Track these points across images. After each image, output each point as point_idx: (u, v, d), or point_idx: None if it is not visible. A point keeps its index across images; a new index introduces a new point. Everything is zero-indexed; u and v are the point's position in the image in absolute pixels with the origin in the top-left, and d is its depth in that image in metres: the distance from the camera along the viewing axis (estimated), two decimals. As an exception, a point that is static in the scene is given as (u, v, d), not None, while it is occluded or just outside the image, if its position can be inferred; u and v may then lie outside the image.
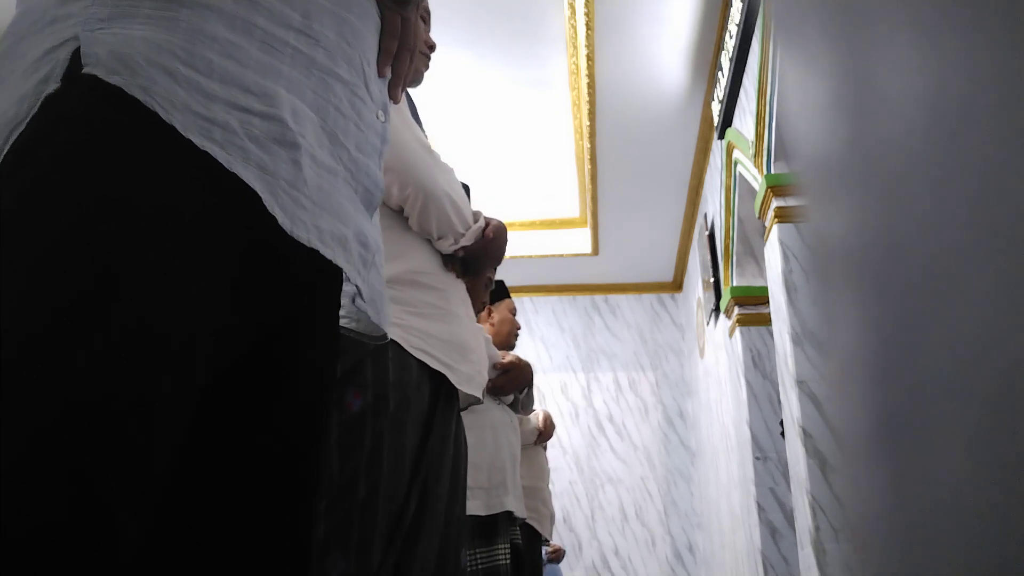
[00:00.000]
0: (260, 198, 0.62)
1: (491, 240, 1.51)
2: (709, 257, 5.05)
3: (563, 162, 5.53)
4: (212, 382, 0.61)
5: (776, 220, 3.36)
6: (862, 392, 0.29)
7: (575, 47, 4.41)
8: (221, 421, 0.64)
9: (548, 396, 7.08)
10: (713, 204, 5.06)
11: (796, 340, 3.14)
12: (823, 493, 2.93)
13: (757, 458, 4.07)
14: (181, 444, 0.59)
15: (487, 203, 4.63)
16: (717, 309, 4.93)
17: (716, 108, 4.39)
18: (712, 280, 4.98)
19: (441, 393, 1.38)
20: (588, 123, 4.95)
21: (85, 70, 0.59)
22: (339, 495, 1.21)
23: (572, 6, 4.14)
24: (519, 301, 6.95)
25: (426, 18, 1.59)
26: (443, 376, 1.37)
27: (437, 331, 1.39)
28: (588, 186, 5.62)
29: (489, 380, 1.88)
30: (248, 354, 0.65)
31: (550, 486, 3.29)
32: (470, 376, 1.44)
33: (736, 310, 4.42)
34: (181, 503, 0.62)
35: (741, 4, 3.62)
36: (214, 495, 0.64)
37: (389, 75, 0.83)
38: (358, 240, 0.72)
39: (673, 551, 6.73)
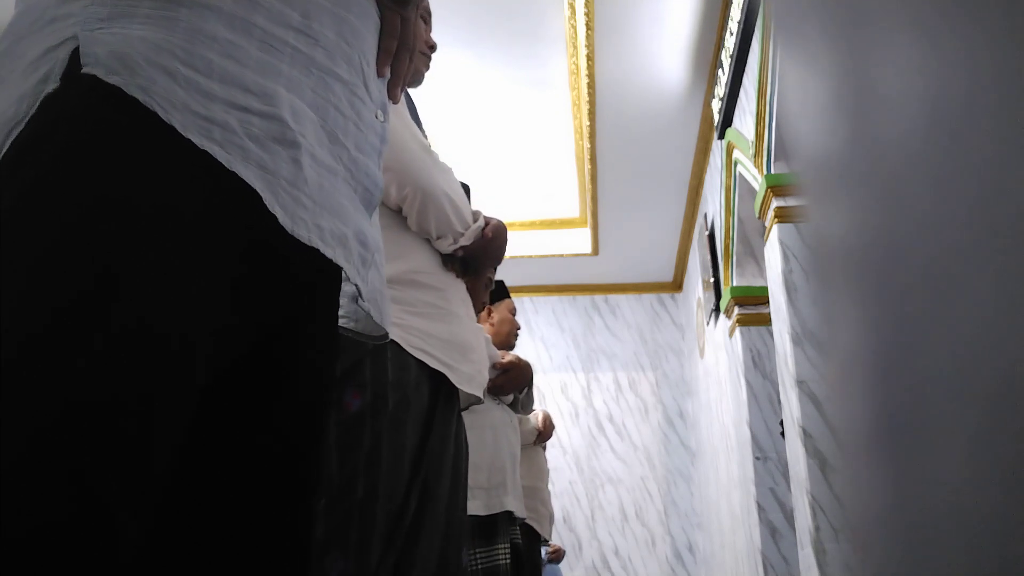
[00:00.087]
0: (260, 197, 0.62)
1: (491, 240, 1.51)
2: (709, 257, 5.05)
3: (563, 162, 5.53)
4: (212, 382, 0.61)
5: (776, 220, 3.36)
6: (862, 392, 0.29)
7: (575, 47, 4.41)
8: (221, 421, 0.64)
9: (548, 396, 7.08)
10: (713, 204, 5.06)
11: (796, 340, 3.14)
12: (823, 493, 2.93)
13: (757, 458, 4.06)
14: (181, 444, 0.59)
15: (487, 203, 4.62)
16: (717, 309, 4.93)
17: (716, 108, 4.39)
18: (712, 280, 4.98)
19: (441, 393, 1.38)
20: (588, 123, 4.95)
21: (84, 70, 0.59)
22: (338, 495, 1.21)
23: (572, 6, 4.14)
24: (519, 301, 6.95)
25: (426, 18, 1.59)
26: (443, 376, 1.37)
27: (437, 331, 1.39)
28: (588, 186, 5.62)
29: (489, 380, 1.88)
30: (248, 354, 0.65)
31: (550, 486, 3.29)
32: (470, 376, 1.44)
33: (736, 310, 4.42)
34: (181, 503, 0.62)
35: (741, 4, 3.62)
36: (214, 495, 0.64)
37: (388, 75, 0.83)
38: (358, 239, 0.72)
39: (673, 551, 6.73)
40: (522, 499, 2.39)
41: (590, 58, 4.42)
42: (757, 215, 3.61)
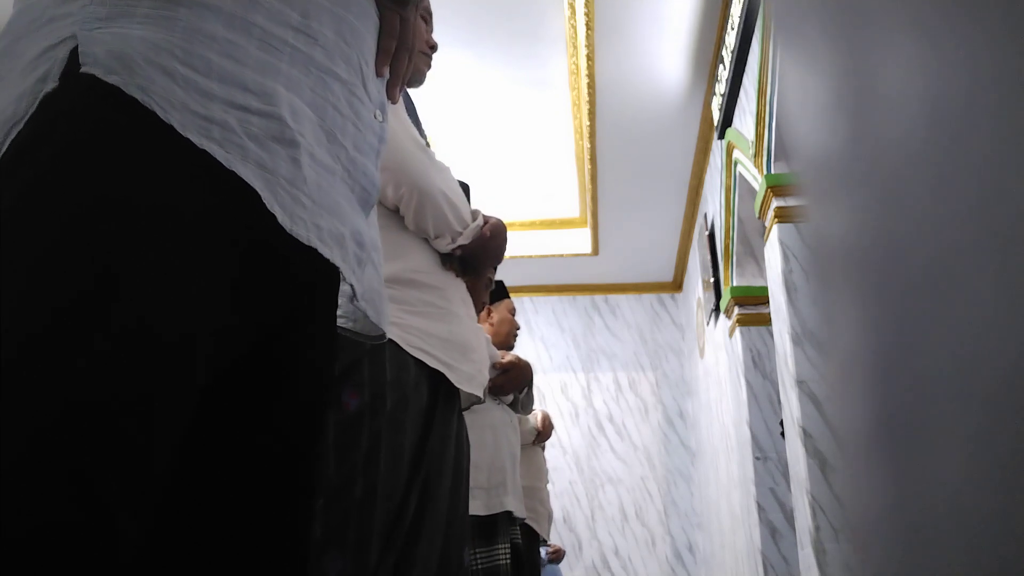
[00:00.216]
0: (259, 197, 0.62)
1: (490, 239, 1.50)
2: (709, 257, 5.05)
3: (563, 162, 5.53)
4: (212, 382, 0.61)
5: (776, 220, 3.36)
6: (862, 392, 0.29)
7: (575, 47, 4.41)
8: (221, 421, 0.64)
9: (548, 396, 7.08)
10: (713, 204, 5.06)
11: (796, 340, 3.14)
12: (823, 493, 2.93)
13: (757, 458, 4.06)
14: (181, 444, 0.59)
15: (487, 203, 4.62)
16: (717, 309, 4.93)
17: (716, 108, 4.39)
18: (712, 280, 4.98)
19: (441, 392, 1.38)
20: (588, 123, 4.95)
21: (83, 69, 0.59)
22: (336, 495, 1.21)
23: (572, 6, 4.14)
24: (519, 301, 6.96)
25: (427, 18, 1.58)
26: (443, 375, 1.37)
27: (436, 330, 1.39)
28: (588, 186, 5.62)
29: (489, 380, 1.88)
30: (248, 354, 0.65)
31: (549, 486, 3.29)
32: (471, 375, 1.43)
33: (736, 310, 4.42)
34: (181, 503, 0.62)
35: (741, 4, 3.62)
36: (214, 495, 0.64)
37: (387, 75, 0.83)
38: (354, 239, 0.72)
39: (673, 551, 6.73)
40: (522, 499, 2.39)
41: (590, 58, 4.42)
42: (757, 215, 3.61)
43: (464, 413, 1.63)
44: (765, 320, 4.14)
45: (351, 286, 0.73)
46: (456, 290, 1.48)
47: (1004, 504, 0.20)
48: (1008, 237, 0.20)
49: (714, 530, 5.81)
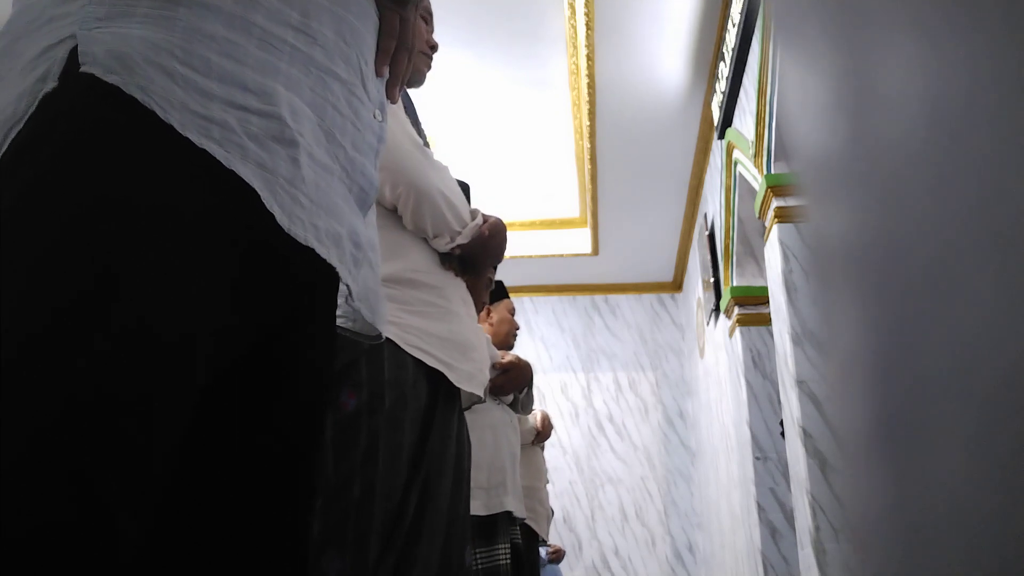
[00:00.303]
0: (259, 197, 0.62)
1: (489, 238, 1.50)
2: (709, 257, 5.05)
3: (563, 162, 5.53)
4: (212, 382, 0.61)
5: (776, 220, 3.36)
6: (862, 392, 0.29)
7: (575, 47, 4.41)
8: (221, 421, 0.64)
9: (548, 396, 7.08)
10: (713, 204, 5.06)
11: (796, 340, 3.14)
12: (823, 493, 2.93)
13: (757, 458, 4.06)
14: (181, 444, 0.59)
15: (487, 203, 4.63)
16: (717, 309, 4.93)
17: (716, 108, 4.39)
18: (712, 280, 4.98)
19: (440, 391, 1.37)
20: (588, 123, 4.95)
21: (82, 69, 0.59)
22: (334, 494, 1.21)
23: (572, 6, 4.14)
24: (519, 301, 6.96)
25: (427, 18, 1.58)
26: (442, 374, 1.37)
27: (436, 329, 1.38)
28: (588, 186, 5.62)
29: (489, 380, 1.88)
30: (248, 354, 0.65)
31: (550, 486, 3.29)
32: (471, 374, 1.43)
33: (736, 310, 4.42)
34: (181, 503, 0.62)
35: (741, 4, 3.62)
36: (214, 495, 0.64)
37: (387, 74, 0.83)
38: (351, 239, 0.72)
39: (673, 551, 6.73)
40: (522, 499, 2.39)
41: (590, 58, 4.42)
42: (757, 215, 3.61)
43: (464, 412, 1.62)
44: (765, 320, 4.14)
45: (347, 286, 0.73)
46: (456, 289, 1.47)
47: (1004, 504, 0.20)
48: (1008, 237, 0.20)
49: (714, 530, 5.81)
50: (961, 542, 0.22)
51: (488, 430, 2.27)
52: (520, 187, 5.80)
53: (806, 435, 3.00)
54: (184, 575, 0.63)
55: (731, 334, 4.55)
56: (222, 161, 0.61)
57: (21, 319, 0.53)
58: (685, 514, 6.79)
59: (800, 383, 3.08)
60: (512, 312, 2.91)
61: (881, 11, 0.26)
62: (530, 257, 6.51)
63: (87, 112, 0.59)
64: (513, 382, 2.30)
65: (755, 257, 4.39)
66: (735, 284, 4.44)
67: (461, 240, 1.45)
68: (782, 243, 3.30)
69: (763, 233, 3.60)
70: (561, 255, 6.57)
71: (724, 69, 4.07)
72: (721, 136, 4.47)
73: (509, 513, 2.25)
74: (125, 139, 0.59)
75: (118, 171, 0.58)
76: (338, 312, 0.78)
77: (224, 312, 0.61)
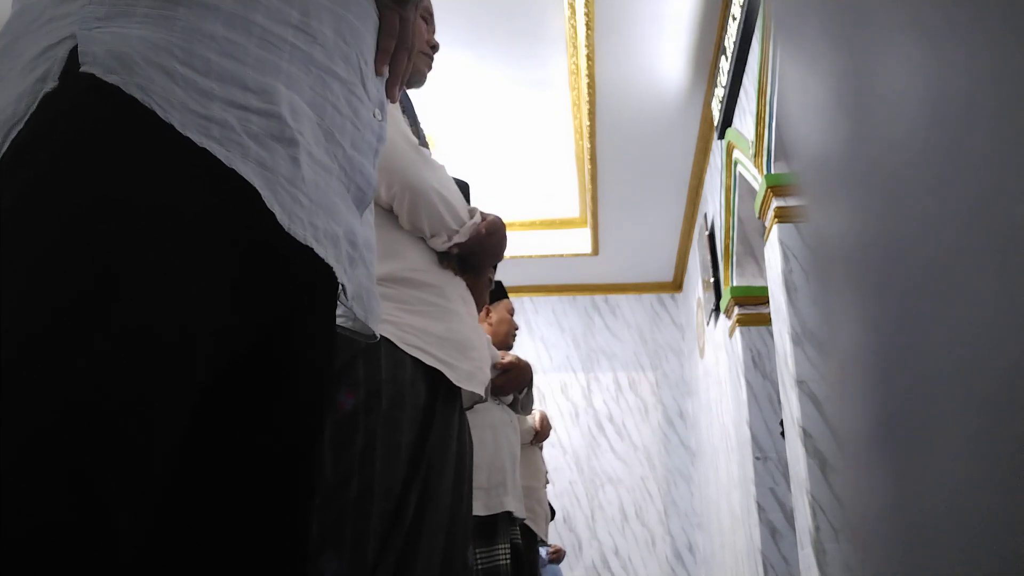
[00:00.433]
0: (259, 197, 0.62)
1: (487, 236, 1.49)
2: (709, 257, 5.05)
3: (563, 162, 5.53)
4: (212, 382, 0.61)
5: (776, 220, 3.36)
6: (862, 392, 0.29)
7: (575, 47, 4.41)
8: (221, 421, 0.64)
9: (548, 396, 7.08)
10: (713, 204, 5.06)
11: (796, 340, 3.14)
12: (823, 493, 2.93)
13: (757, 458, 4.06)
14: (181, 444, 0.59)
15: (487, 203, 4.63)
16: (717, 309, 4.93)
17: (716, 108, 4.39)
18: (712, 280, 4.98)
19: (440, 391, 1.37)
20: (588, 123, 4.95)
21: (82, 68, 0.59)
22: (332, 494, 1.20)
23: (572, 6, 4.14)
24: (519, 301, 6.96)
25: (428, 18, 1.58)
26: (441, 374, 1.36)
27: (434, 328, 1.38)
28: (588, 186, 5.62)
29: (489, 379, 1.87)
30: (248, 354, 0.65)
31: (550, 487, 3.29)
32: (470, 373, 1.42)
33: (736, 310, 4.42)
34: (181, 503, 0.62)
35: (741, 4, 3.62)
36: (214, 495, 0.64)
37: (387, 74, 0.83)
38: (347, 239, 0.72)
39: (673, 551, 6.73)
40: (522, 499, 2.39)
41: (590, 58, 4.42)
42: (757, 215, 3.61)
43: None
44: (765, 320, 4.14)
45: (342, 285, 0.73)
46: (455, 288, 1.47)
47: (1004, 504, 0.20)
48: (1008, 237, 0.20)
49: (714, 530, 5.81)
50: (961, 542, 0.22)
51: (488, 430, 2.27)
52: (520, 187, 5.80)
53: (806, 435, 3.00)
54: (184, 575, 0.63)
55: (731, 334, 4.55)
56: (222, 160, 0.61)
57: (21, 319, 0.53)
58: (685, 514, 6.79)
59: (800, 383, 3.08)
60: (511, 312, 2.91)
61: (881, 11, 0.26)
62: (530, 257, 6.51)
63: (87, 112, 0.59)
64: (513, 382, 2.30)
65: (755, 257, 4.39)
66: (735, 284, 4.44)
67: (459, 239, 1.44)
68: (782, 243, 3.30)
69: (763, 233, 3.60)
70: (561, 255, 6.58)
71: (724, 69, 4.07)
72: (721, 136, 4.47)
73: (509, 513, 2.25)
74: (125, 139, 0.59)
75: (118, 171, 0.58)
76: (338, 312, 0.78)
77: (224, 312, 0.61)
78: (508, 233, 1.60)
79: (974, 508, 0.22)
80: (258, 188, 0.62)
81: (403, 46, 0.83)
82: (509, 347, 2.84)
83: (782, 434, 3.62)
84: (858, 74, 0.27)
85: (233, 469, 0.65)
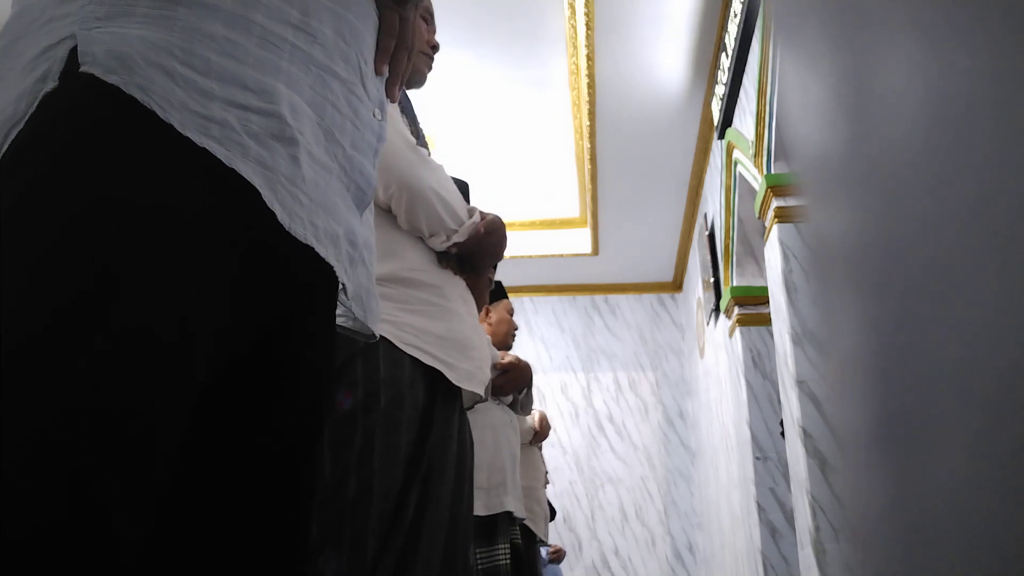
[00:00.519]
0: (259, 197, 0.62)
1: (486, 235, 1.48)
2: (709, 257, 5.05)
3: (563, 162, 5.53)
4: (212, 382, 0.61)
5: (776, 220, 3.37)
6: (862, 392, 0.29)
7: (575, 47, 4.41)
8: (221, 421, 0.64)
9: (548, 396, 7.08)
10: (713, 204, 5.06)
11: (796, 340, 3.14)
12: (823, 493, 2.93)
13: (757, 458, 4.07)
14: (181, 444, 0.59)
15: (487, 203, 4.62)
16: (717, 309, 4.93)
17: (716, 108, 4.39)
18: (712, 280, 4.98)
19: (440, 390, 1.37)
20: (588, 123, 4.95)
21: (82, 68, 0.59)
22: (330, 494, 1.20)
23: (572, 6, 4.14)
24: (519, 301, 6.96)
25: (428, 19, 1.58)
26: (440, 373, 1.36)
27: (434, 328, 1.37)
28: (588, 186, 5.62)
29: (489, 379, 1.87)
30: (248, 354, 0.65)
31: (550, 487, 3.29)
32: (470, 373, 1.42)
33: (736, 310, 4.42)
34: (181, 503, 0.62)
35: (741, 4, 3.62)
36: (214, 495, 0.64)
37: (386, 73, 0.83)
38: (347, 238, 0.72)
39: (673, 551, 6.73)
40: (522, 499, 2.39)
41: (590, 58, 4.42)
42: (757, 215, 3.61)
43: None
44: (765, 320, 4.14)
45: (342, 284, 0.73)
46: (455, 288, 1.47)
47: (1004, 504, 0.20)
48: (1008, 237, 0.20)
49: (714, 530, 5.81)
50: (961, 542, 0.22)
51: (488, 430, 2.27)
52: (520, 187, 5.80)
53: (806, 435, 3.00)
54: (184, 575, 0.63)
55: (731, 334, 4.55)
56: (222, 159, 0.61)
57: (21, 319, 0.53)
58: (685, 514, 6.79)
59: (800, 383, 3.08)
60: (511, 312, 2.91)
61: (881, 11, 0.26)
62: (530, 257, 6.51)
63: (87, 112, 0.59)
64: (513, 383, 2.30)
65: (755, 257, 4.39)
66: (735, 284, 4.44)
67: (458, 238, 1.44)
68: (782, 243, 3.30)
69: (763, 233, 3.60)
70: (561, 255, 6.58)
71: (724, 69, 4.07)
72: (721, 136, 4.47)
73: (509, 513, 2.25)
74: (125, 139, 0.59)
75: (118, 171, 0.58)
76: (337, 311, 0.78)
77: (224, 312, 0.61)
78: (508, 233, 1.60)
79: (974, 508, 0.22)
80: (258, 187, 0.62)
81: (403, 46, 0.83)
82: (509, 347, 2.84)
83: (782, 434, 3.62)
84: (858, 74, 0.27)
85: (233, 469, 0.65)
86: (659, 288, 7.33)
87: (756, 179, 3.65)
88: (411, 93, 1.62)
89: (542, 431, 3.29)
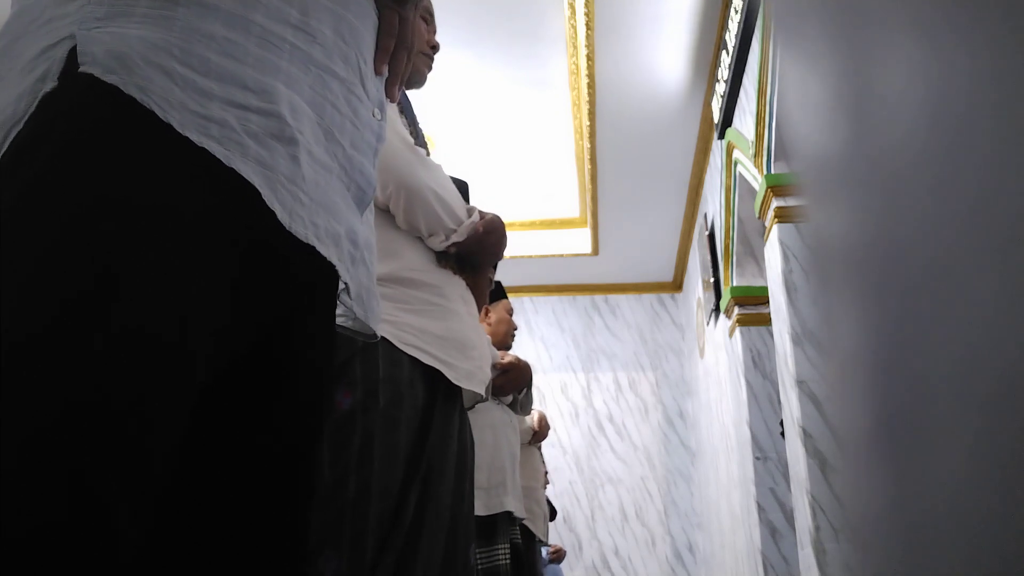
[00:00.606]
0: (259, 197, 0.62)
1: (485, 235, 1.48)
2: (709, 257, 5.05)
3: (563, 162, 5.53)
4: (212, 382, 0.61)
5: (776, 220, 3.37)
6: (862, 392, 0.29)
7: (575, 47, 4.41)
8: (221, 421, 0.64)
9: (548, 396, 7.08)
10: (713, 204, 5.06)
11: (796, 340, 3.14)
12: (823, 493, 2.93)
13: (757, 458, 4.07)
14: (181, 444, 0.59)
15: (487, 203, 4.62)
16: (717, 309, 4.93)
17: (716, 108, 4.39)
18: (712, 280, 4.98)
19: (440, 390, 1.37)
20: (588, 123, 4.95)
21: (81, 69, 0.59)
22: (330, 494, 1.20)
23: (572, 6, 4.14)
24: (519, 301, 6.96)
25: (428, 19, 1.58)
26: (440, 373, 1.36)
27: (433, 327, 1.37)
28: (588, 186, 5.62)
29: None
30: (248, 354, 0.65)
31: (550, 487, 3.29)
32: (470, 372, 1.42)
33: (736, 310, 4.42)
34: (181, 503, 0.62)
35: (741, 4, 3.62)
36: (214, 495, 0.64)
37: (386, 73, 0.83)
38: (349, 238, 0.72)
39: (673, 551, 6.73)
40: (521, 499, 2.39)
41: (590, 58, 4.42)
42: (757, 215, 3.61)
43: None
44: (765, 320, 4.14)
45: (345, 284, 0.73)
46: (455, 288, 1.47)
47: (1004, 504, 0.20)
48: (1008, 237, 0.20)
49: (714, 530, 5.81)
50: (961, 542, 0.22)
51: (488, 430, 2.27)
52: (520, 187, 5.80)
53: (806, 435, 3.00)
54: (184, 575, 0.63)
55: (731, 334, 4.55)
56: (221, 159, 0.61)
57: (21, 319, 0.53)
58: (685, 514, 6.79)
59: (800, 383, 3.08)
60: (510, 312, 2.91)
61: (881, 11, 0.26)
62: (530, 257, 6.51)
63: (86, 112, 0.59)
64: (513, 382, 2.30)
65: (755, 257, 4.39)
66: (735, 284, 4.44)
67: (456, 238, 1.44)
68: (782, 243, 3.30)
69: (763, 233, 3.60)
70: (561, 255, 6.58)
71: (724, 69, 4.07)
72: (721, 136, 4.47)
73: (509, 513, 2.25)
74: (124, 139, 0.59)
75: (118, 171, 0.58)
76: (338, 311, 0.78)
77: (224, 312, 0.61)
78: (508, 233, 1.59)
79: (974, 508, 0.22)
80: (257, 187, 0.62)
81: (402, 45, 0.83)
82: (508, 347, 2.84)
83: (782, 434, 3.62)
84: (858, 74, 0.27)
85: (233, 469, 0.65)
86: (659, 288, 7.33)
87: (756, 179, 3.65)
88: (411, 93, 1.62)
89: (541, 431, 3.29)
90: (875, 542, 0.28)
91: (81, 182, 0.57)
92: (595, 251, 6.53)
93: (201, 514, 0.63)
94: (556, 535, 6.34)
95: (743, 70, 3.87)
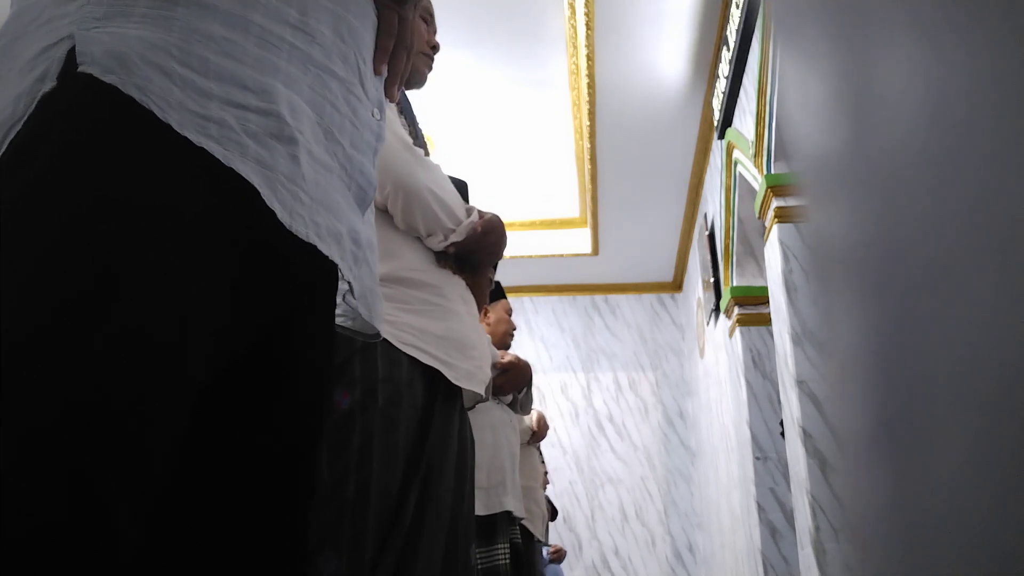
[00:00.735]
0: (259, 197, 0.62)
1: (484, 235, 1.48)
2: (709, 257, 5.05)
3: (563, 162, 5.53)
4: (212, 382, 0.61)
5: (776, 220, 3.37)
6: (862, 392, 0.29)
7: (575, 47, 4.41)
8: (221, 421, 0.64)
9: (548, 396, 7.08)
10: (713, 204, 5.06)
11: (796, 340, 3.14)
12: (823, 493, 2.93)
13: (757, 458, 4.07)
14: (181, 444, 0.59)
15: (487, 203, 4.62)
16: (717, 309, 4.93)
17: (716, 108, 4.39)
18: (712, 280, 4.98)
19: (439, 390, 1.37)
20: (588, 123, 4.95)
21: (80, 69, 0.59)
22: (329, 494, 1.20)
23: (572, 6, 4.14)
24: (519, 301, 6.96)
25: (428, 19, 1.58)
26: (439, 373, 1.36)
27: (432, 327, 1.37)
28: (588, 186, 5.62)
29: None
30: (248, 354, 0.65)
31: (550, 487, 3.30)
32: (470, 372, 1.42)
33: (736, 310, 4.42)
34: (180, 503, 0.62)
35: (741, 4, 3.62)
36: (214, 495, 0.64)
37: (385, 73, 0.82)
38: (351, 237, 0.72)
39: (673, 551, 6.73)
40: (521, 499, 2.39)
41: (590, 58, 4.42)
42: (757, 215, 3.61)
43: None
44: (765, 320, 4.14)
45: (348, 283, 0.73)
46: (454, 288, 1.46)
47: (1004, 504, 0.20)
48: (1008, 237, 0.20)
49: (714, 530, 5.81)
50: (961, 542, 0.22)
51: (488, 430, 2.27)
52: (520, 187, 5.80)
53: (806, 435, 3.00)
54: (184, 575, 0.63)
55: (731, 334, 4.55)
56: (221, 159, 0.61)
57: (21, 319, 0.53)
58: (685, 514, 6.79)
59: (800, 383, 3.08)
60: (509, 312, 2.92)
61: (881, 11, 0.26)
62: (530, 257, 6.51)
63: (85, 112, 0.59)
64: (513, 382, 2.30)
65: (755, 257, 4.39)
66: (735, 284, 4.44)
67: (455, 238, 1.43)
68: (782, 243, 3.30)
69: (763, 233, 3.60)
70: (561, 255, 6.58)
71: (724, 69, 4.07)
72: (721, 136, 4.47)
73: (509, 513, 2.25)
74: (123, 139, 0.59)
75: (117, 171, 0.58)
76: (337, 311, 0.78)
77: (224, 312, 0.61)
78: (508, 233, 1.59)
79: (974, 508, 0.22)
80: (257, 186, 0.62)
81: (402, 45, 0.83)
82: (507, 347, 2.84)
83: (782, 434, 3.62)
84: (858, 74, 0.27)
85: (233, 469, 0.65)
86: (659, 288, 7.33)
87: (756, 179, 3.65)
88: (411, 93, 1.62)
89: (540, 431, 3.29)
90: (875, 542, 0.28)
91: (80, 182, 0.57)
92: (595, 251, 6.53)
93: (201, 514, 0.63)
94: (556, 535, 6.34)
95: (743, 70, 3.87)
